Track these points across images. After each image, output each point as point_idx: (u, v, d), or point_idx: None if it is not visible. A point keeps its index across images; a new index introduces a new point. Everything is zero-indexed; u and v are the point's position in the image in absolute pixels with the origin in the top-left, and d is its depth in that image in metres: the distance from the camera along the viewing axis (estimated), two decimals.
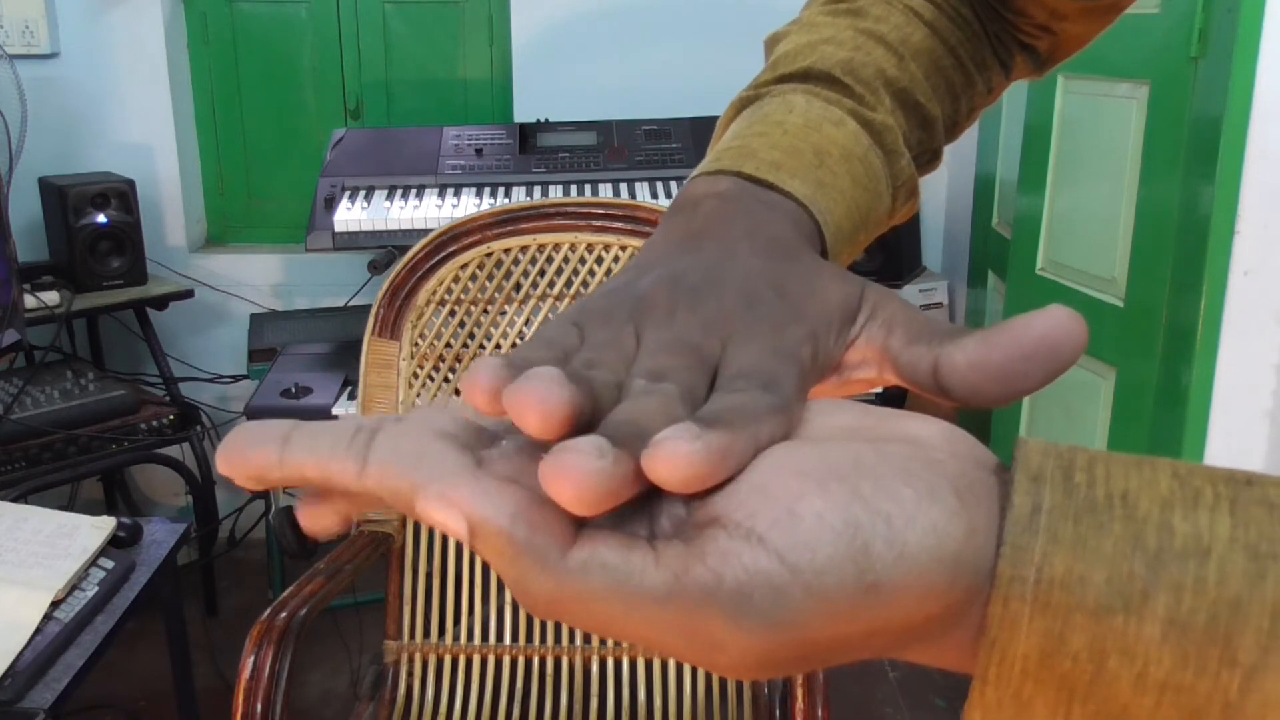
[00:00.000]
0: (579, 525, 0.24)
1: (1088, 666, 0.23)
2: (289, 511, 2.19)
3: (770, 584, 0.23)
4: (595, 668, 1.40)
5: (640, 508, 0.25)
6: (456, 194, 2.20)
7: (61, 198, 2.27)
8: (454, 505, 0.24)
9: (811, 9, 0.50)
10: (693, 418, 0.25)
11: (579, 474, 0.22)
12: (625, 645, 1.40)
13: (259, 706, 1.10)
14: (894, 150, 0.44)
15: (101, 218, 2.29)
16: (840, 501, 0.23)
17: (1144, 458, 0.25)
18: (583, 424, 0.25)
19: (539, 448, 0.25)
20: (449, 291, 1.44)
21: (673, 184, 2.23)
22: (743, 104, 0.45)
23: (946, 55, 0.49)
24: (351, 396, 1.99)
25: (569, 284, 1.45)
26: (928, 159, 0.49)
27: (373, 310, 1.43)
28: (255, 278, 2.70)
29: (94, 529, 1.31)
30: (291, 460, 0.26)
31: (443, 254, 1.44)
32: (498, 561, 0.24)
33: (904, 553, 0.23)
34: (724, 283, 0.31)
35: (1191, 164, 1.60)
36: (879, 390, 2.19)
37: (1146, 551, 0.23)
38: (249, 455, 0.26)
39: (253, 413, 2.21)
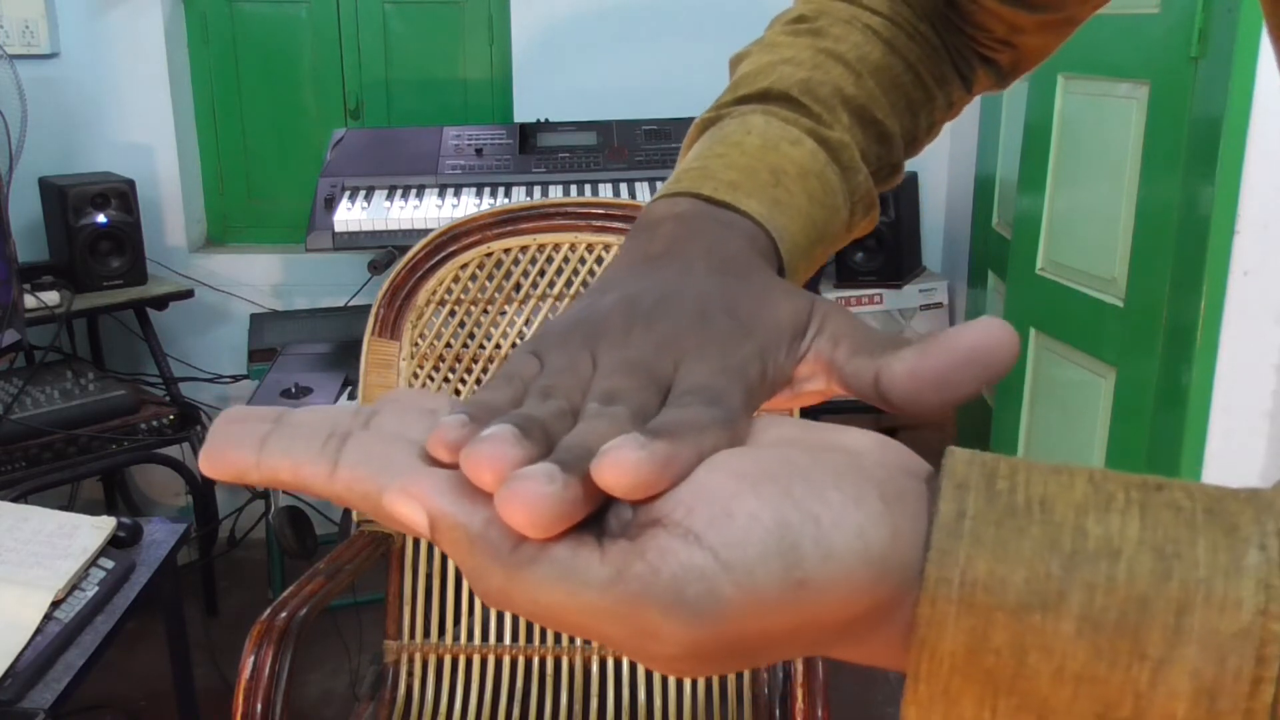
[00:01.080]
0: None
1: (1010, 662, 0.24)
2: (289, 511, 2.20)
3: (703, 578, 0.24)
4: (595, 668, 1.40)
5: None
6: (456, 194, 2.20)
7: (61, 198, 2.27)
8: (415, 499, 0.26)
9: (774, 29, 0.51)
10: (640, 429, 0.26)
11: (530, 500, 0.24)
12: None
13: (259, 706, 1.10)
14: (851, 166, 0.45)
15: (101, 218, 2.29)
16: (772, 502, 0.25)
17: (1064, 465, 0.26)
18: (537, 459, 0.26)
19: None
20: (449, 291, 1.44)
21: None
22: (704, 125, 0.46)
23: (905, 72, 0.50)
24: (351, 396, 1.99)
25: (569, 284, 1.45)
26: (887, 173, 0.50)
27: (373, 310, 1.43)
28: (255, 278, 2.70)
29: (94, 529, 1.31)
30: (267, 464, 0.28)
31: (443, 254, 1.44)
32: (455, 552, 0.26)
33: (831, 552, 0.24)
34: (678, 304, 0.33)
35: (1191, 164, 1.60)
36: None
37: (1062, 553, 0.24)
38: (228, 457, 0.28)
39: None
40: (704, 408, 0.28)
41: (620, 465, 0.24)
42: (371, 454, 0.27)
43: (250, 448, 0.28)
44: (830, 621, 0.25)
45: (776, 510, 0.24)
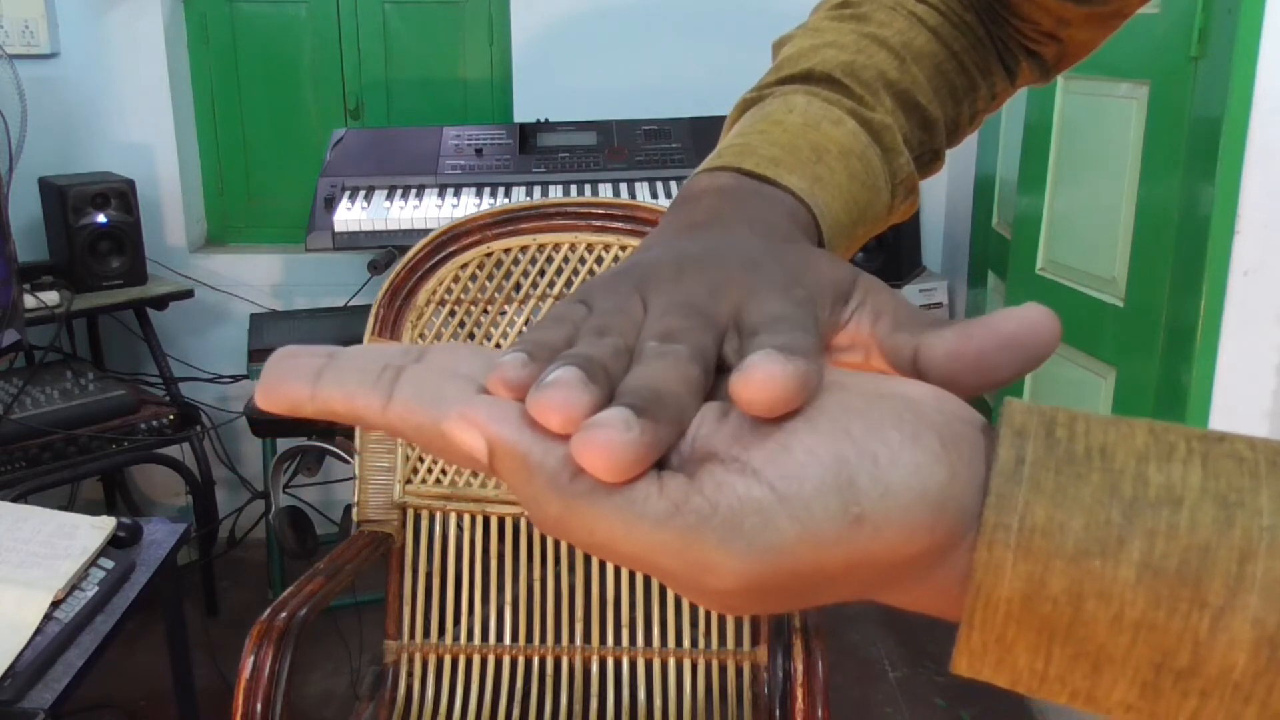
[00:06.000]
0: None
1: (1067, 609, 0.24)
2: (289, 511, 2.20)
3: (760, 511, 0.24)
4: (595, 668, 1.40)
5: None
6: (456, 194, 2.20)
7: (61, 198, 2.27)
8: (474, 426, 0.26)
9: (818, 14, 0.51)
10: (773, 347, 0.26)
11: (609, 447, 0.24)
12: (625, 645, 1.40)
13: (259, 706, 1.10)
14: (892, 149, 0.45)
15: (101, 218, 2.29)
16: (829, 439, 0.25)
17: (1122, 417, 0.26)
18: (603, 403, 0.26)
19: None
20: (449, 291, 1.44)
21: (672, 184, 2.23)
22: (747, 104, 0.46)
23: (949, 60, 0.50)
24: None
25: (569, 284, 1.45)
26: (929, 159, 0.50)
27: (373, 310, 1.43)
28: (255, 278, 2.70)
29: (94, 529, 1.31)
30: (322, 395, 0.28)
31: (443, 254, 1.44)
32: (512, 480, 0.26)
33: (888, 489, 0.24)
34: (726, 255, 0.33)
35: (1191, 164, 1.60)
36: None
37: (1122, 500, 0.24)
38: (283, 389, 0.29)
39: (252, 413, 2.21)
40: (801, 334, 0.28)
41: (769, 379, 0.24)
42: (425, 386, 0.27)
43: (306, 380, 0.28)
44: (885, 561, 0.25)
45: (834, 446, 0.24)
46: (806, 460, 0.24)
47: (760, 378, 0.24)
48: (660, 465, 0.26)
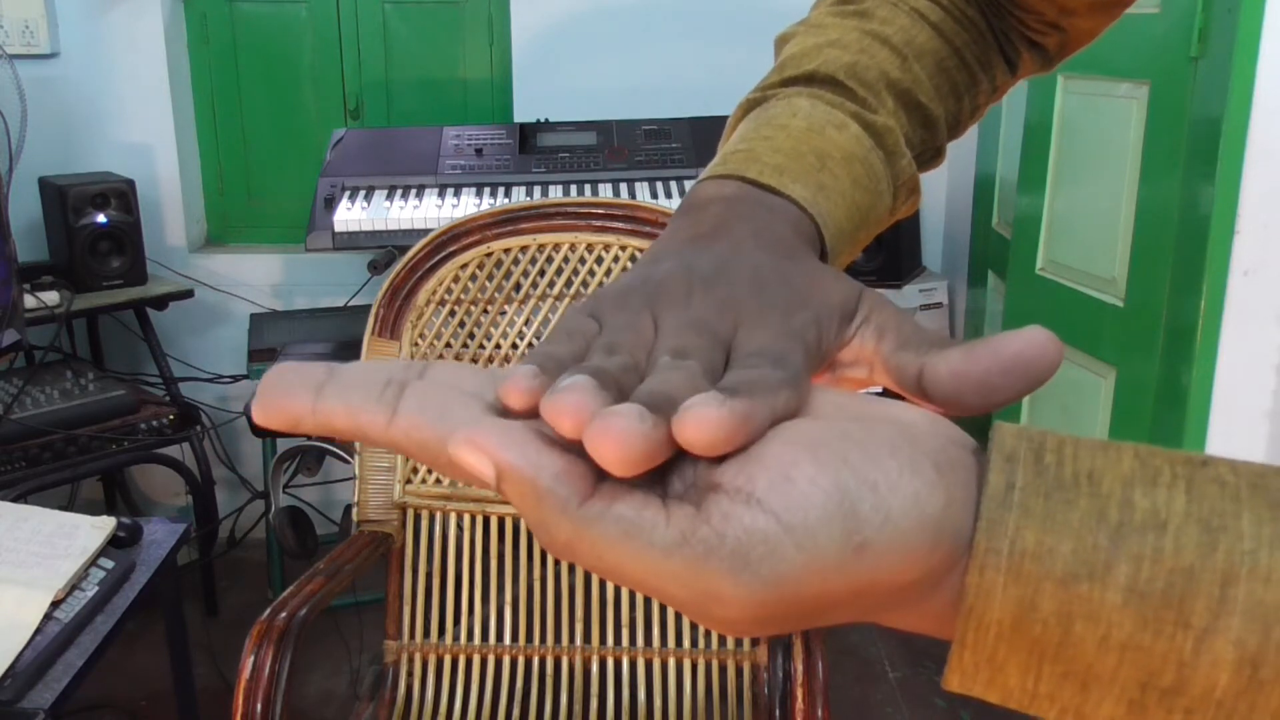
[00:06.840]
0: (599, 477, 0.26)
1: (1056, 630, 0.25)
2: (289, 511, 2.19)
3: (766, 541, 0.25)
4: (595, 668, 1.40)
5: (654, 471, 0.26)
6: (456, 194, 2.20)
7: (61, 198, 2.27)
8: (482, 451, 0.26)
9: (820, 9, 0.52)
10: (716, 388, 0.27)
11: (621, 436, 0.24)
12: (625, 645, 1.40)
13: (259, 706, 1.10)
14: (895, 151, 0.45)
15: (101, 218, 2.29)
16: (830, 468, 0.25)
17: (1109, 441, 0.27)
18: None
19: None
20: (449, 291, 1.44)
21: (672, 184, 2.23)
22: (750, 105, 0.47)
23: (951, 56, 0.51)
24: None
25: (569, 284, 1.45)
26: (930, 156, 0.50)
27: (373, 310, 1.43)
28: (255, 278, 2.70)
29: (94, 529, 1.31)
30: (323, 409, 0.28)
31: (443, 254, 1.44)
32: (521, 504, 0.26)
33: (889, 516, 0.25)
34: (734, 273, 0.33)
35: (1191, 164, 1.60)
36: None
37: (1109, 525, 0.25)
38: (284, 403, 0.28)
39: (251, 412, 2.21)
40: (771, 369, 0.29)
41: (702, 422, 0.25)
42: (430, 402, 0.28)
43: (306, 394, 0.28)
44: (886, 586, 0.26)
45: (835, 475, 0.25)
46: (809, 490, 0.25)
47: (694, 421, 0.25)
48: (666, 494, 0.26)
